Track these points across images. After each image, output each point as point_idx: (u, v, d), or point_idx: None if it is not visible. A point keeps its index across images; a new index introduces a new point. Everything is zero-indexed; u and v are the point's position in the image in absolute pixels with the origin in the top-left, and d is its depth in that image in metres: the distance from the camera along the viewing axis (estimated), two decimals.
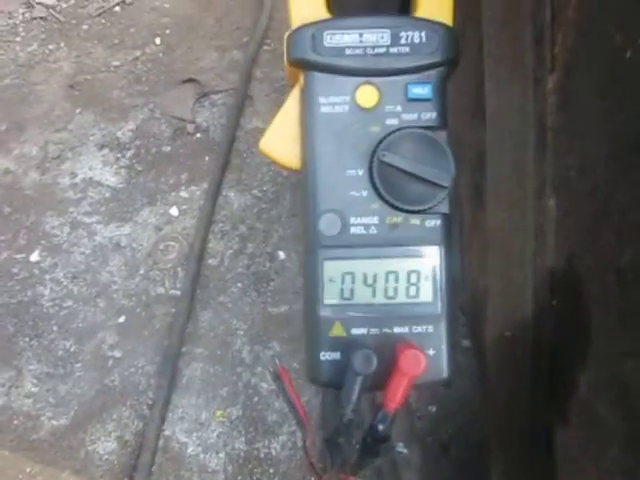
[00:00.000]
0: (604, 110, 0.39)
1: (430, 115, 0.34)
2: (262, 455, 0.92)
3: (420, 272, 0.34)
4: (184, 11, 1.45)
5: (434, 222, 0.34)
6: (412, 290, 0.34)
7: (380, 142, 0.33)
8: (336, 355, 0.33)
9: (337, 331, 0.34)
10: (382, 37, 0.33)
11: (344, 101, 0.34)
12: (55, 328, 1.05)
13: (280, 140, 0.36)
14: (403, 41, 0.33)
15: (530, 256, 0.54)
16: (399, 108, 0.34)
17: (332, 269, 0.34)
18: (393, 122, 0.34)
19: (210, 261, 1.10)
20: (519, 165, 0.52)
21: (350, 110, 0.34)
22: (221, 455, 0.93)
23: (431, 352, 0.33)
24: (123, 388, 0.99)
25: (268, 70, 1.35)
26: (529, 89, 0.50)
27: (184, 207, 1.16)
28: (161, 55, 1.40)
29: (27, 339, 1.04)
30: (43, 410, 0.98)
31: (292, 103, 0.36)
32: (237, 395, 0.97)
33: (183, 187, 1.19)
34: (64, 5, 1.54)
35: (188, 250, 1.10)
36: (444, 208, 0.34)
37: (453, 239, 0.94)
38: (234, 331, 1.02)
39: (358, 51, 0.34)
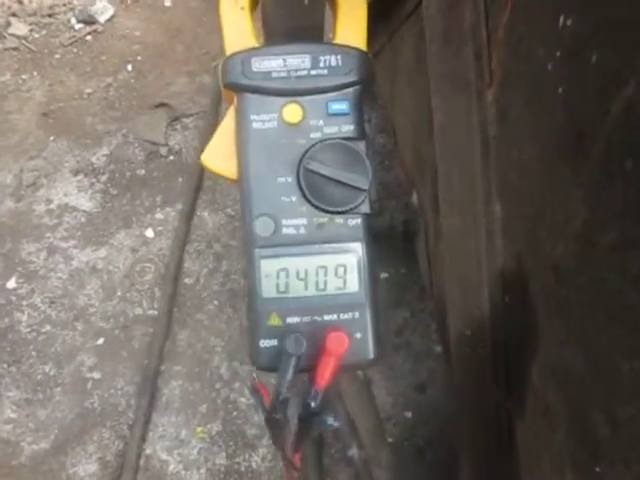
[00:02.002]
0: (532, 119, 0.43)
1: (349, 128, 0.39)
2: (243, 469, 0.94)
3: (346, 265, 0.38)
4: (154, 38, 1.49)
5: (356, 221, 0.39)
6: (339, 282, 0.38)
7: (305, 152, 0.38)
8: (274, 342, 0.37)
9: (274, 321, 0.38)
10: (303, 61, 0.38)
11: (272, 118, 0.39)
12: (33, 353, 1.06)
13: (219, 154, 0.40)
14: (322, 64, 0.38)
15: (483, 258, 0.57)
16: (321, 122, 0.39)
17: (268, 266, 0.38)
18: (316, 135, 0.38)
19: (186, 280, 1.12)
20: (467, 173, 0.56)
21: (278, 126, 0.39)
22: (202, 471, 0.94)
23: (358, 335, 0.38)
24: (103, 410, 0.99)
25: None
26: (473, 102, 0.54)
27: (159, 228, 1.18)
28: (133, 81, 1.42)
29: (5, 365, 1.04)
30: (23, 435, 0.98)
31: (228, 121, 0.40)
32: (216, 411, 0.98)
33: (158, 209, 1.21)
34: (36, 35, 1.56)
35: (164, 270, 1.12)
36: (364, 208, 0.39)
37: (419, 248, 0.97)
38: (212, 348, 1.04)
39: (283, 74, 0.38)
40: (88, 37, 1.54)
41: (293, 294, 0.38)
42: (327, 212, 0.38)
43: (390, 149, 1.19)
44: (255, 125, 0.38)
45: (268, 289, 0.38)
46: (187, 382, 1.01)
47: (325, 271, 0.38)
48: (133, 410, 0.98)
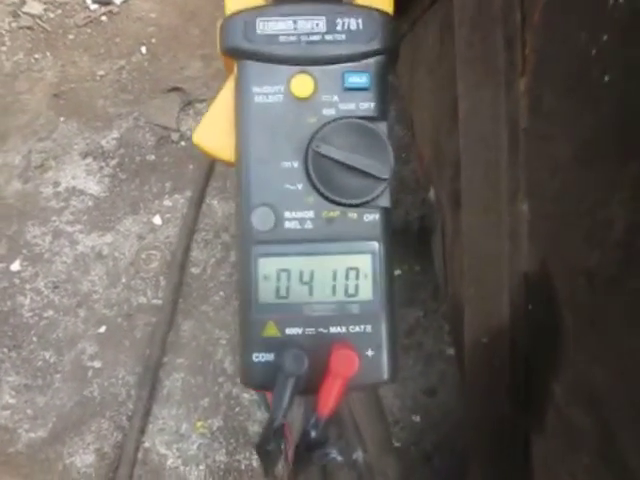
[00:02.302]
0: (570, 110, 0.39)
1: (368, 105, 0.33)
2: (243, 467, 0.91)
3: (359, 269, 0.33)
4: (170, 21, 1.45)
5: (373, 216, 0.33)
6: (350, 288, 0.33)
7: (316, 133, 0.32)
8: (269, 356, 0.32)
9: (271, 331, 0.32)
10: (317, 24, 0.33)
11: (278, 91, 0.33)
12: (35, 339, 1.03)
13: (214, 132, 0.35)
14: (339, 28, 0.32)
15: (505, 260, 0.53)
16: (336, 98, 0.33)
17: (266, 266, 0.33)
18: (329, 112, 0.33)
19: (193, 270, 1.09)
20: (492, 169, 0.51)
21: (285, 100, 0.33)
22: (201, 467, 0.91)
23: (370, 353, 0.32)
24: (102, 399, 0.97)
25: None
26: (501, 92, 0.49)
27: (167, 216, 1.15)
28: (146, 64, 1.39)
29: (6, 350, 1.02)
30: (21, 422, 0.96)
31: (227, 93, 0.35)
32: (218, 406, 0.95)
33: (167, 195, 1.18)
34: (51, 15, 1.54)
35: (171, 259, 1.09)
36: (384, 201, 0.33)
37: (434, 246, 0.92)
38: (216, 341, 1.01)
39: (292, 39, 0.33)
40: (103, 18, 1.51)
41: (295, 300, 0.32)
42: (339, 204, 0.33)
43: (407, 142, 1.15)
44: (257, 99, 0.33)
45: (265, 293, 0.32)
46: (189, 375, 0.98)
47: (334, 274, 0.32)
48: (133, 401, 0.96)
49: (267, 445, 0.27)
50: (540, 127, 0.45)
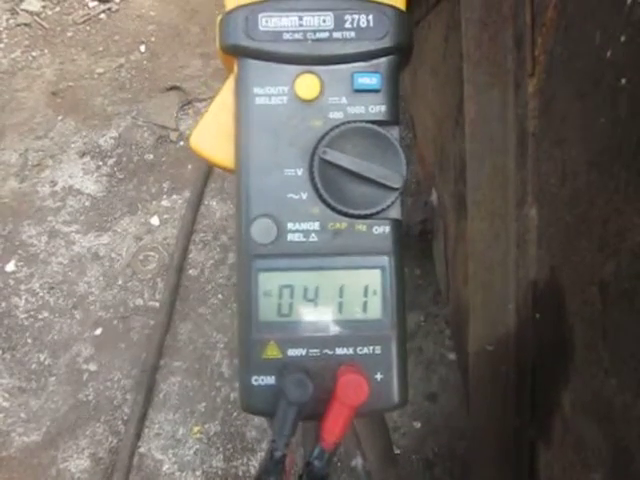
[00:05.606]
0: (584, 114, 0.37)
1: (379, 108, 0.31)
2: (240, 473, 0.89)
3: (368, 285, 0.31)
4: (169, 19, 1.44)
5: (383, 228, 0.31)
6: (359, 306, 0.30)
7: (322, 138, 0.30)
8: (270, 380, 0.30)
9: (272, 352, 0.30)
10: (324, 20, 0.30)
11: (282, 92, 0.31)
12: (29, 340, 1.02)
13: (212, 136, 0.33)
14: (348, 25, 0.30)
15: (512, 267, 0.51)
16: (344, 100, 0.31)
17: (268, 281, 0.30)
18: (337, 115, 0.31)
19: (190, 271, 1.07)
20: (500, 172, 0.50)
21: (289, 102, 0.31)
22: (198, 473, 0.89)
23: (379, 376, 0.30)
24: (97, 403, 0.95)
25: None
26: (509, 93, 0.48)
27: (165, 216, 1.13)
28: (145, 62, 1.38)
29: (0, 352, 1.00)
30: (14, 426, 0.94)
31: (226, 94, 0.33)
32: (215, 410, 0.94)
33: (165, 196, 1.16)
34: (49, 12, 1.52)
35: (168, 260, 1.07)
36: (395, 213, 0.31)
37: (436, 250, 0.90)
38: (214, 344, 0.99)
39: (298, 36, 0.30)
40: (102, 16, 1.49)
41: (298, 318, 0.30)
42: (346, 215, 0.30)
43: (408, 143, 1.13)
44: (259, 100, 0.31)
45: (266, 311, 0.30)
46: (186, 378, 0.97)
47: (340, 291, 0.30)
48: (129, 405, 0.94)
49: (267, 478, 0.25)
50: (551, 130, 0.43)
